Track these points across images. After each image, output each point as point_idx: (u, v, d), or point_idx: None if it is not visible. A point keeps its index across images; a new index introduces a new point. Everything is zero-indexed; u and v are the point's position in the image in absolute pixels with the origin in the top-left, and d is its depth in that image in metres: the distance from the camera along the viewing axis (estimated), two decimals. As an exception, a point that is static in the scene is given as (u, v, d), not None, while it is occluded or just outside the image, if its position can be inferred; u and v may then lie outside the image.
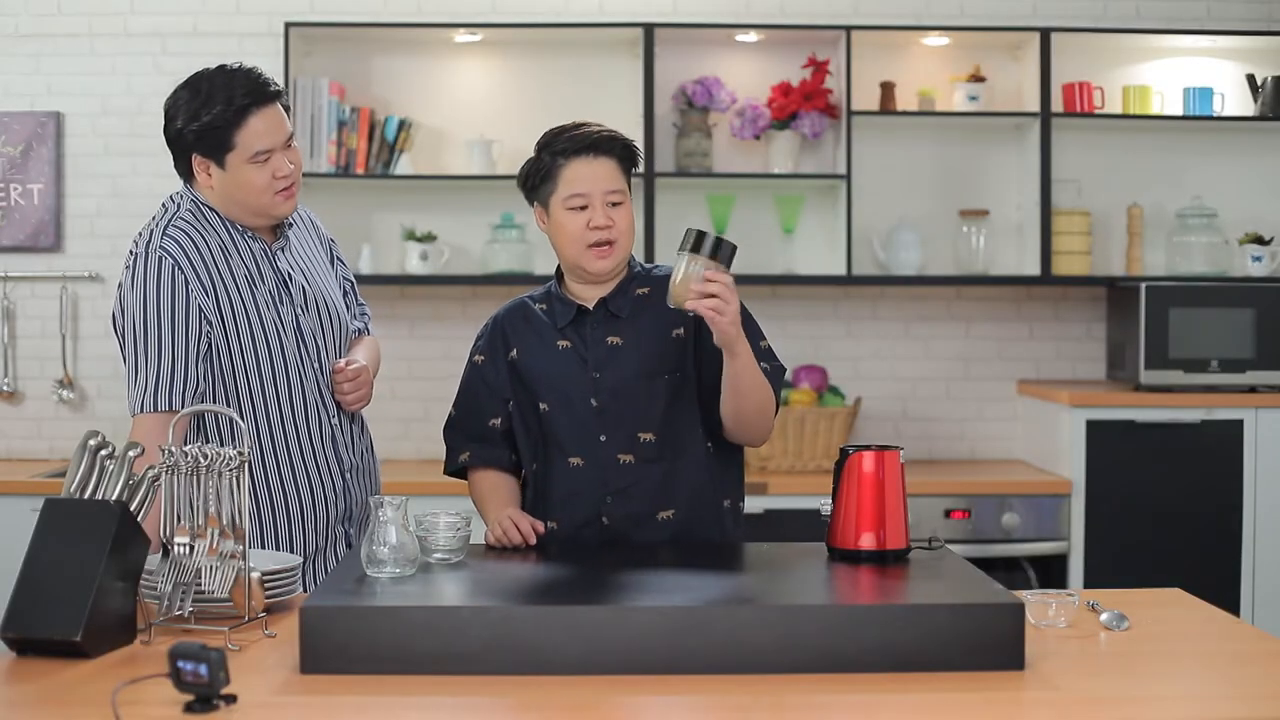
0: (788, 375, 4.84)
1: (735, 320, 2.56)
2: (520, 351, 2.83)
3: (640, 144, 2.88)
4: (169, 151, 2.90)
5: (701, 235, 2.53)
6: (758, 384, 2.69)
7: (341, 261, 3.11)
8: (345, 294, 3.08)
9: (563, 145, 2.76)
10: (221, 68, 2.83)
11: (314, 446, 2.88)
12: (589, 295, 2.82)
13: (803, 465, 4.72)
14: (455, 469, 2.89)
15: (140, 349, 2.77)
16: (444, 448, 2.89)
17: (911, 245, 4.91)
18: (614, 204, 2.75)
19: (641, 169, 2.86)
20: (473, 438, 2.86)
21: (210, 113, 2.76)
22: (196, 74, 2.84)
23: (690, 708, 2.04)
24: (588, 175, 2.75)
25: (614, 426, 2.76)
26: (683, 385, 2.79)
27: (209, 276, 2.79)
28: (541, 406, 2.80)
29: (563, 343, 2.80)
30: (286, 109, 2.85)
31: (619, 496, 2.75)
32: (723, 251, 2.53)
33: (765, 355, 2.80)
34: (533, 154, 2.80)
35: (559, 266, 2.86)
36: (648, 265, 2.90)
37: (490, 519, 2.75)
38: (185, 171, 2.87)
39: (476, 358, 2.88)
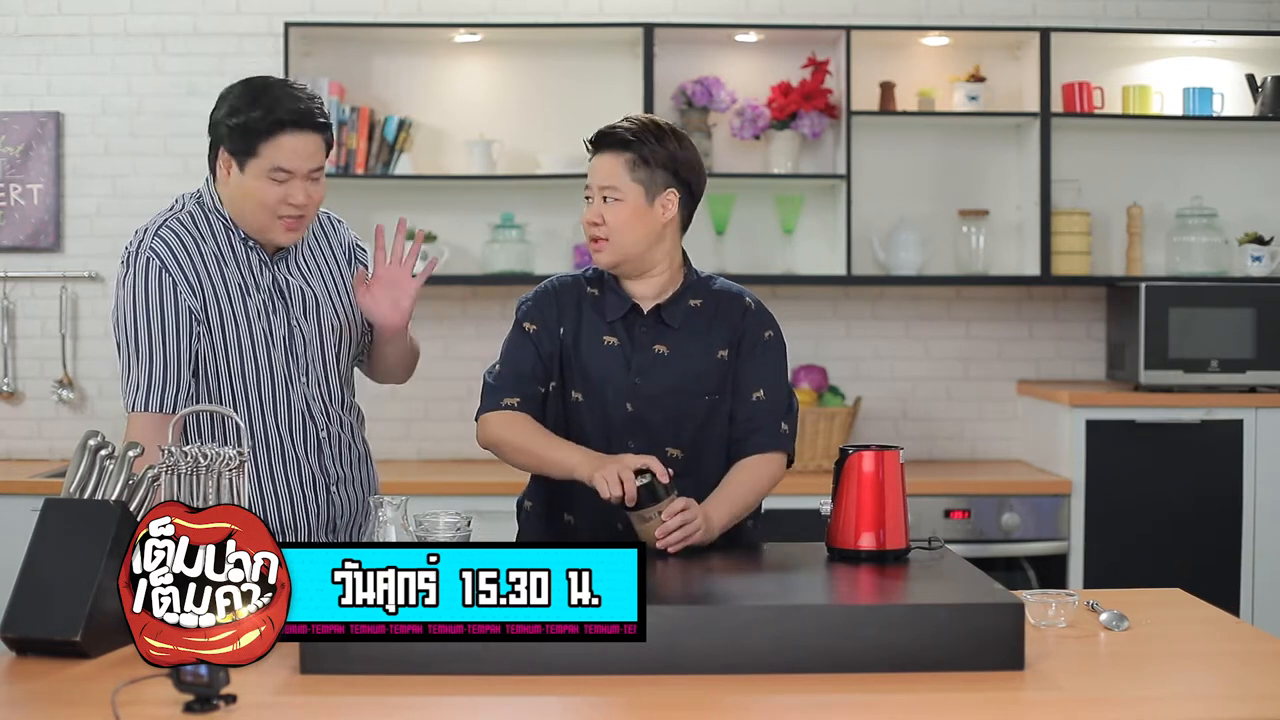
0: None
1: (707, 528, 2.61)
2: (568, 333, 2.78)
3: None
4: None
5: (640, 489, 2.56)
6: (756, 500, 2.76)
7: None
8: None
9: (593, 137, 2.77)
10: (284, 81, 2.80)
11: (297, 457, 2.85)
12: (641, 292, 2.78)
13: (802, 465, 4.72)
14: (494, 409, 2.77)
15: (130, 350, 2.76)
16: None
17: (911, 245, 4.91)
18: (613, 200, 2.72)
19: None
20: (519, 394, 2.77)
21: (249, 115, 2.72)
22: (262, 77, 2.81)
23: (689, 707, 2.04)
24: (594, 169, 2.75)
25: (644, 435, 2.73)
26: (718, 408, 2.77)
27: (196, 280, 2.77)
28: (574, 395, 2.76)
29: (609, 338, 2.76)
30: (329, 145, 2.79)
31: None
32: (653, 494, 2.57)
33: (787, 408, 2.80)
34: None
35: None
36: (706, 274, 2.85)
37: (586, 457, 2.65)
38: (213, 160, 2.81)
39: (528, 325, 2.80)
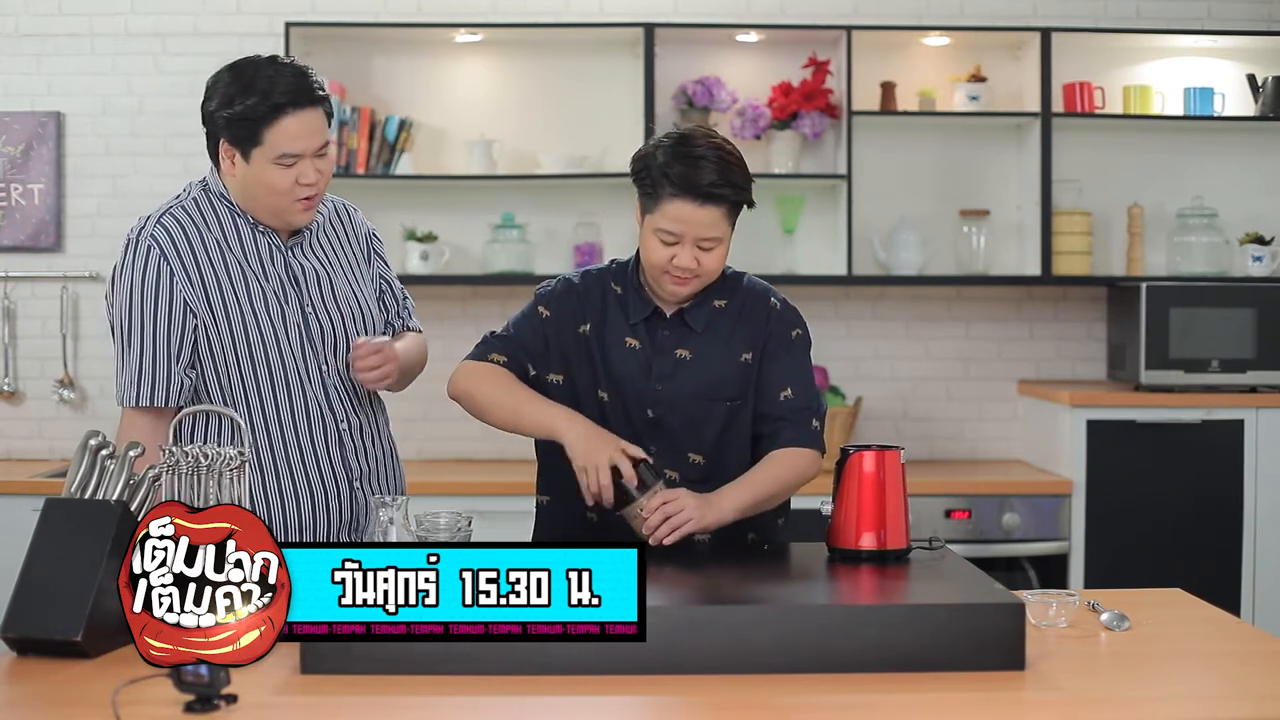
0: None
1: (704, 515, 2.57)
2: (593, 329, 2.73)
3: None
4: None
5: (620, 489, 2.57)
6: (782, 492, 2.73)
7: (381, 258, 2.98)
8: (382, 292, 2.96)
9: (676, 174, 2.61)
10: (272, 59, 2.69)
11: (315, 450, 2.79)
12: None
13: (803, 465, 4.72)
14: (480, 359, 2.74)
15: (123, 339, 2.71)
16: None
17: (912, 245, 4.91)
18: (706, 249, 2.65)
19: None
20: (509, 356, 2.74)
21: (244, 103, 2.63)
22: (247, 59, 2.70)
23: (689, 708, 2.04)
24: (686, 218, 2.61)
25: (666, 441, 2.70)
26: (740, 412, 2.74)
27: (198, 270, 2.71)
28: (600, 394, 2.73)
29: (631, 340, 2.72)
30: (329, 115, 2.72)
31: None
32: (638, 487, 2.57)
33: (817, 406, 2.76)
34: (650, 148, 2.66)
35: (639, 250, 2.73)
36: (734, 271, 2.80)
37: (572, 421, 2.62)
38: (213, 153, 2.74)
39: (542, 310, 2.75)
